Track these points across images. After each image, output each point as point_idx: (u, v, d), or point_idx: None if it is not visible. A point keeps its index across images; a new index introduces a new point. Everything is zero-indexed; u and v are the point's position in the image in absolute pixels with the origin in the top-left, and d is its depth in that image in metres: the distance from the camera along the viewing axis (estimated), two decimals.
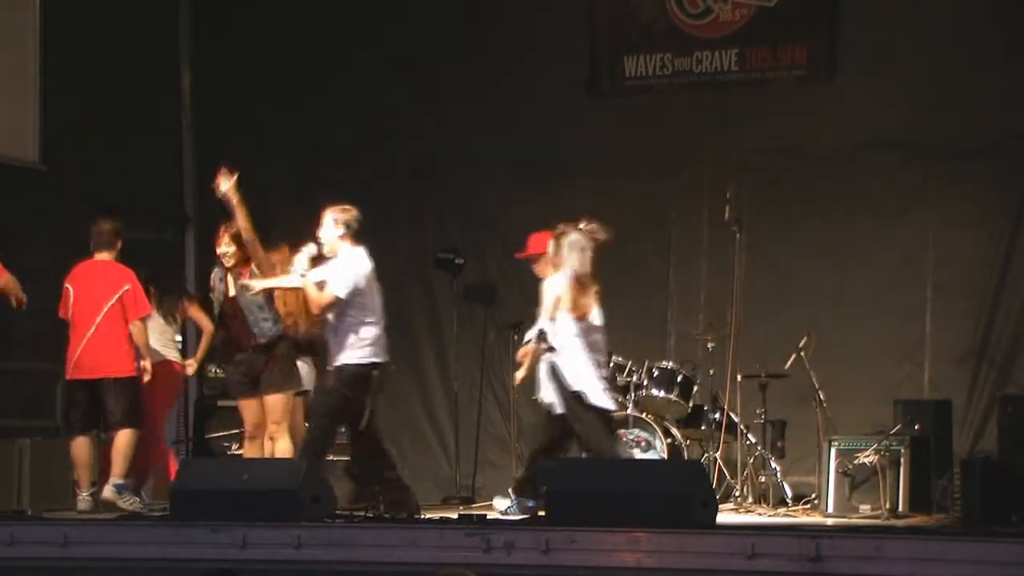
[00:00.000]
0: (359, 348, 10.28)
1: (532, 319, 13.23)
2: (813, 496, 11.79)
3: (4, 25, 12.86)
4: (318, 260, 10.48)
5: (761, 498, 11.76)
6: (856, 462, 11.23)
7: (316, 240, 10.51)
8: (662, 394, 12.10)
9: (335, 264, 10.40)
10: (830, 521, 11.01)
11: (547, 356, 10.72)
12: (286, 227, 14.45)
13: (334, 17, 14.34)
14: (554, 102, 13.78)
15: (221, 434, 12.30)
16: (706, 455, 12.02)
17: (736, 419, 11.86)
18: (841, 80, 13.07)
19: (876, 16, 12.98)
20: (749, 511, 11.49)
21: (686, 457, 11.93)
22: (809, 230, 13.06)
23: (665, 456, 11.69)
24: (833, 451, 11.41)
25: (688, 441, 12.21)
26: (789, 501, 11.85)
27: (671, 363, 12.28)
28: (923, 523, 10.79)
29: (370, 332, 10.33)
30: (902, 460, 11.25)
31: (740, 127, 13.35)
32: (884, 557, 8.27)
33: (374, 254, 10.58)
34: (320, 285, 10.31)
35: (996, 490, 9.91)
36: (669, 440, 11.85)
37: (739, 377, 11.86)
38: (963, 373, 12.55)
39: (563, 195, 13.75)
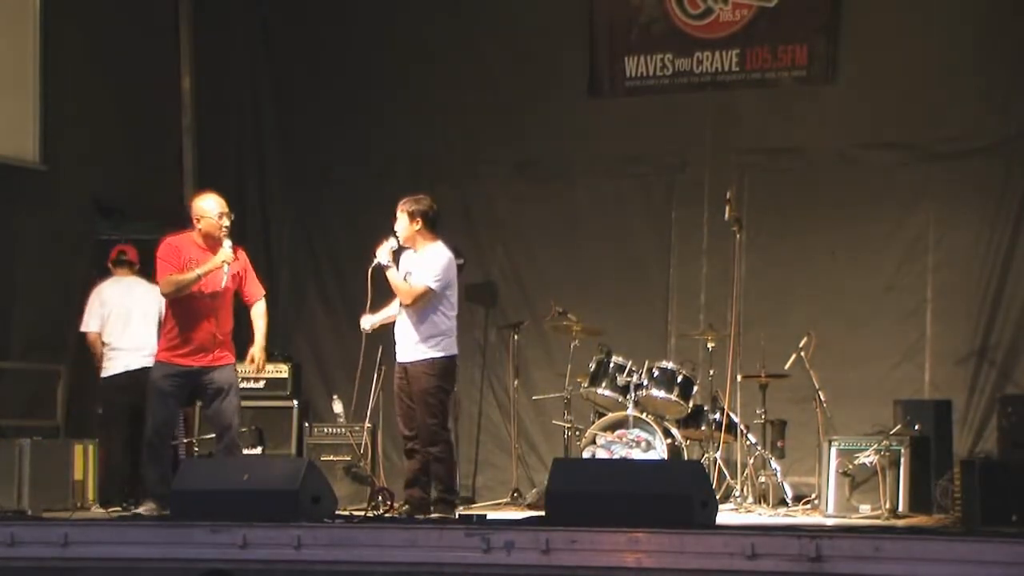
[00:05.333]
0: (446, 340, 10.40)
1: (531, 317, 13.33)
2: (813, 496, 11.79)
3: (4, 25, 12.86)
4: (398, 253, 10.53)
5: (761, 498, 11.76)
6: (856, 462, 11.24)
7: (394, 233, 10.52)
8: (662, 394, 12.10)
9: (422, 256, 10.43)
10: (830, 521, 11.01)
11: None
12: (286, 226, 14.56)
13: (333, 17, 14.35)
14: (554, 102, 13.79)
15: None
16: (706, 455, 12.01)
17: (736, 419, 11.86)
18: (841, 80, 13.07)
19: (876, 16, 12.98)
20: (749, 511, 11.49)
21: (686, 457, 11.93)
22: (809, 230, 13.07)
23: (665, 456, 11.69)
24: (833, 451, 11.42)
25: (688, 441, 12.21)
26: (789, 501, 11.86)
27: (671, 363, 12.28)
28: (923, 523, 10.79)
29: (452, 325, 10.46)
30: (902, 460, 11.27)
31: (740, 127, 13.36)
32: (884, 557, 8.26)
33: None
34: (406, 277, 10.40)
35: (996, 490, 9.89)
36: (669, 440, 11.85)
37: (739, 377, 11.85)
38: (963, 373, 12.55)
39: (563, 195, 13.79)
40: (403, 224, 10.52)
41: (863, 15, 12.99)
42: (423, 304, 10.39)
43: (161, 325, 10.62)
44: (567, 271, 13.59)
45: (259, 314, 10.63)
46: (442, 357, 10.42)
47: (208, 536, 9.19)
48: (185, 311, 10.33)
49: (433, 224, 10.55)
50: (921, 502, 11.31)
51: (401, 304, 10.50)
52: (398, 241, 10.56)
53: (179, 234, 10.54)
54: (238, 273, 10.47)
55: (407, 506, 10.50)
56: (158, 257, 10.42)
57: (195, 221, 10.45)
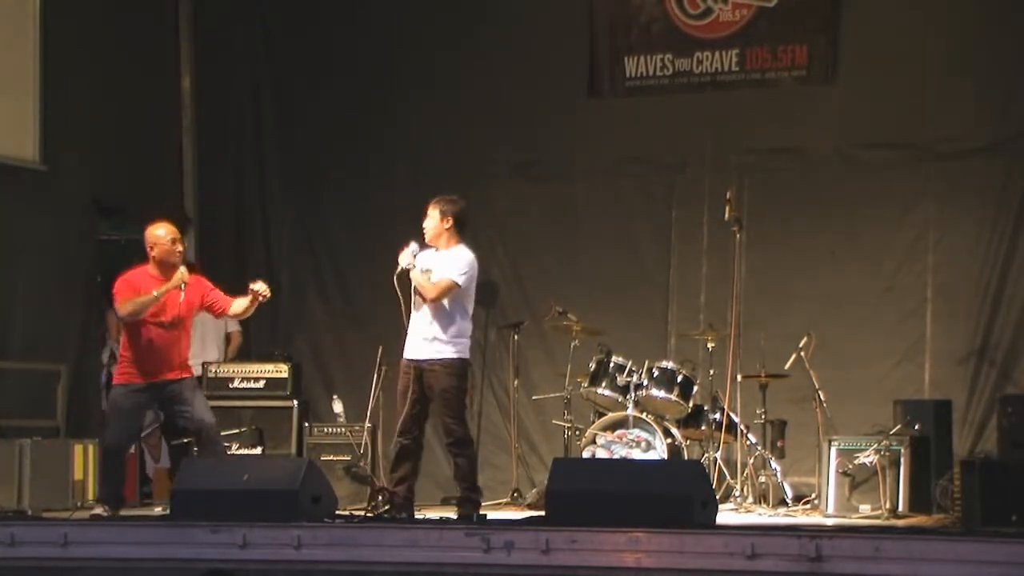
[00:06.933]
0: (464, 342, 10.36)
1: (531, 317, 13.32)
2: (813, 496, 11.80)
3: (4, 25, 12.86)
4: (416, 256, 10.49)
5: (761, 498, 11.77)
6: (856, 462, 11.25)
7: (415, 239, 10.49)
8: (662, 394, 12.10)
9: (445, 255, 10.39)
10: (830, 521, 11.02)
11: None
12: (286, 226, 14.56)
13: (333, 16, 14.35)
14: (554, 102, 13.79)
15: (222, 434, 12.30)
16: (706, 455, 12.01)
17: (736, 419, 11.86)
18: (841, 80, 13.07)
19: (876, 16, 12.98)
20: (749, 511, 11.49)
21: (686, 457, 11.93)
22: (809, 230, 13.07)
23: (665, 456, 11.69)
24: (833, 451, 11.43)
25: (688, 441, 12.21)
26: (789, 501, 11.86)
27: (671, 363, 12.28)
28: (923, 523, 10.80)
29: (471, 328, 10.44)
30: (902, 460, 11.28)
31: (740, 127, 13.36)
32: (884, 557, 8.26)
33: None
34: (427, 274, 10.34)
35: (996, 490, 9.89)
36: (669, 440, 11.85)
37: (739, 377, 11.85)
38: (963, 373, 12.55)
39: (563, 195, 13.80)
40: (433, 221, 10.46)
41: (863, 15, 12.99)
42: (448, 300, 10.32)
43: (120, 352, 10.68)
44: (567, 271, 13.59)
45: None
46: (459, 359, 10.35)
47: (208, 536, 9.19)
48: (143, 340, 10.39)
49: (462, 227, 10.52)
50: (921, 502, 11.32)
51: (424, 300, 10.40)
52: (419, 245, 10.52)
53: (133, 269, 10.59)
54: (194, 300, 10.51)
55: (390, 505, 10.47)
56: (115, 292, 10.48)
57: (149, 249, 10.52)
